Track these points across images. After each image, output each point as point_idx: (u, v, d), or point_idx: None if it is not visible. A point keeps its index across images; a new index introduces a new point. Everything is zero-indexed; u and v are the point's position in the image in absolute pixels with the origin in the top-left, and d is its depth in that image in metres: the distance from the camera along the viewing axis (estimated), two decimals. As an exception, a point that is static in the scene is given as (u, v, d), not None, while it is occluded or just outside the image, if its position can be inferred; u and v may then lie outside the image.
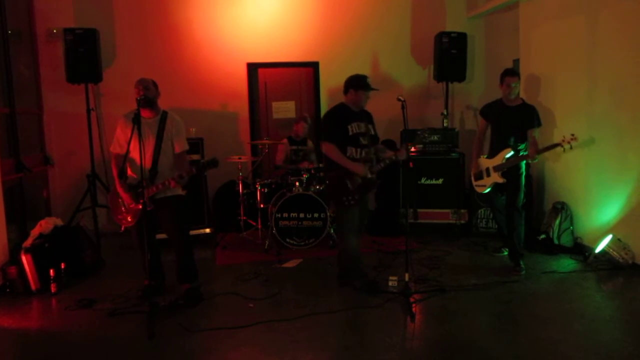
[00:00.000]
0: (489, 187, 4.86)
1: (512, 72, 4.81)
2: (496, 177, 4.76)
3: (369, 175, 4.27)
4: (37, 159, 6.10)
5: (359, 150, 4.29)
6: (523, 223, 4.78)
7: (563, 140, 4.60)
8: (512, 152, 4.70)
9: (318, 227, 5.44)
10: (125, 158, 3.86)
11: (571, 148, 4.67)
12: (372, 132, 4.44)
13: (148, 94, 3.97)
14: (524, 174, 4.78)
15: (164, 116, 4.10)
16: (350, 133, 4.26)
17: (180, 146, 4.13)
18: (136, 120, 3.67)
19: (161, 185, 3.91)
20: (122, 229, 4.21)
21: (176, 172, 3.94)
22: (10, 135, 5.46)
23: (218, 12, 6.61)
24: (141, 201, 3.87)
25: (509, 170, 4.70)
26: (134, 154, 3.89)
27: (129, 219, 4.07)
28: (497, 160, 4.76)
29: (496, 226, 5.64)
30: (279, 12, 6.75)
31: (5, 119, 5.41)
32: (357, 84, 4.31)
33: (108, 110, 6.37)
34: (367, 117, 4.47)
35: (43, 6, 6.23)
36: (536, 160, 4.78)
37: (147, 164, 3.91)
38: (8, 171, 5.14)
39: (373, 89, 4.33)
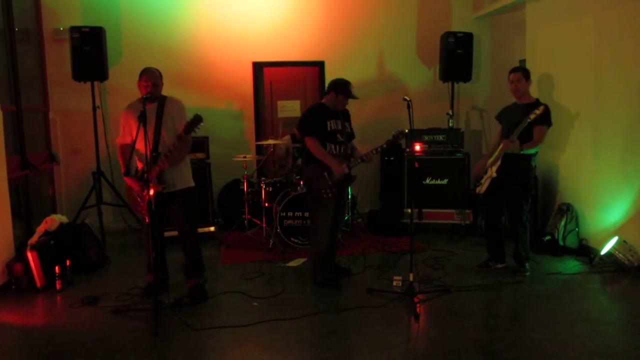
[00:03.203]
0: (485, 186, 4.62)
1: (514, 68, 4.67)
2: (491, 172, 4.57)
3: (346, 171, 4.38)
4: (43, 156, 6.12)
5: (337, 146, 4.41)
6: (528, 232, 4.66)
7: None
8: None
9: (322, 226, 5.43)
10: (132, 148, 3.82)
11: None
12: (349, 130, 4.54)
13: (155, 92, 3.95)
14: (531, 181, 4.58)
15: (162, 100, 4.03)
16: (329, 129, 4.36)
17: (182, 127, 3.92)
18: (142, 117, 3.63)
19: (159, 167, 3.84)
20: (147, 220, 3.98)
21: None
22: (17, 133, 5.48)
23: (224, 11, 6.62)
24: (151, 186, 3.78)
25: (513, 172, 4.50)
26: (139, 146, 3.86)
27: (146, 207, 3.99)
28: (494, 154, 4.58)
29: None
30: (285, 11, 6.75)
31: (11, 116, 5.43)
32: (338, 89, 4.40)
33: (114, 108, 6.37)
34: (345, 116, 4.56)
35: (50, 4, 6.26)
36: (515, 150, 4.38)
37: (149, 148, 3.80)
38: (14, 168, 5.16)
39: (353, 97, 4.41)
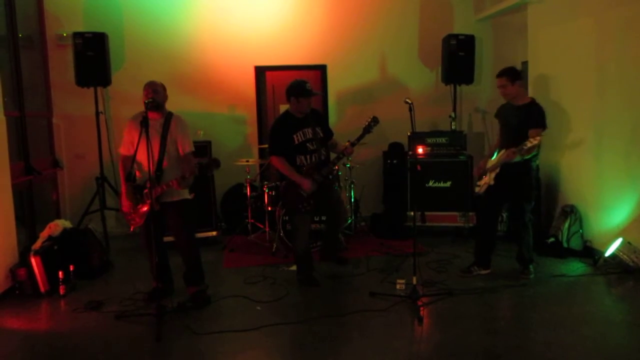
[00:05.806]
0: (483, 189, 4.58)
1: (498, 73, 4.50)
2: (489, 179, 4.51)
3: (314, 187, 4.37)
4: (46, 162, 6.14)
5: (308, 156, 4.39)
6: (531, 233, 4.61)
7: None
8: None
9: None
10: (133, 160, 3.88)
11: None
12: (321, 135, 4.47)
13: (157, 98, 3.99)
14: (532, 181, 4.50)
15: (168, 117, 4.10)
16: (296, 142, 4.34)
17: (185, 148, 4.09)
18: (144, 122, 3.68)
19: (165, 187, 3.89)
20: (132, 229, 4.19)
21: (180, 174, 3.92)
22: (20, 139, 5.50)
23: (226, 15, 6.63)
24: (148, 202, 3.88)
25: (512, 176, 4.41)
26: (140, 156, 3.91)
27: (137, 220, 4.08)
28: (494, 160, 4.53)
29: (505, 229, 5.59)
30: (287, 15, 6.76)
31: (15, 122, 5.45)
32: (297, 92, 4.33)
33: (117, 113, 6.41)
34: (315, 119, 4.48)
35: (53, 11, 6.29)
36: (518, 159, 4.28)
37: (152, 165, 3.89)
38: (18, 174, 5.18)
39: (314, 94, 4.39)
